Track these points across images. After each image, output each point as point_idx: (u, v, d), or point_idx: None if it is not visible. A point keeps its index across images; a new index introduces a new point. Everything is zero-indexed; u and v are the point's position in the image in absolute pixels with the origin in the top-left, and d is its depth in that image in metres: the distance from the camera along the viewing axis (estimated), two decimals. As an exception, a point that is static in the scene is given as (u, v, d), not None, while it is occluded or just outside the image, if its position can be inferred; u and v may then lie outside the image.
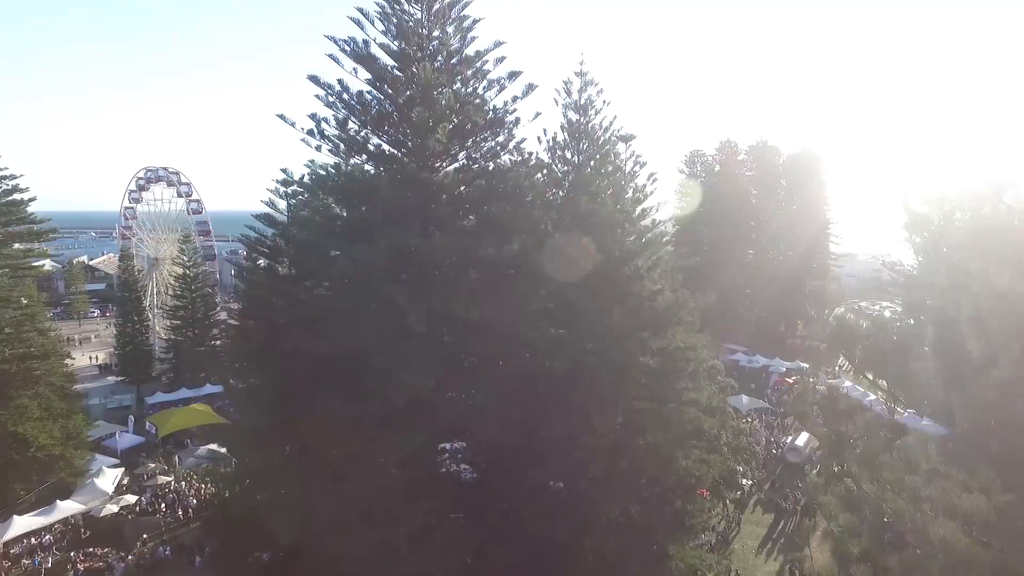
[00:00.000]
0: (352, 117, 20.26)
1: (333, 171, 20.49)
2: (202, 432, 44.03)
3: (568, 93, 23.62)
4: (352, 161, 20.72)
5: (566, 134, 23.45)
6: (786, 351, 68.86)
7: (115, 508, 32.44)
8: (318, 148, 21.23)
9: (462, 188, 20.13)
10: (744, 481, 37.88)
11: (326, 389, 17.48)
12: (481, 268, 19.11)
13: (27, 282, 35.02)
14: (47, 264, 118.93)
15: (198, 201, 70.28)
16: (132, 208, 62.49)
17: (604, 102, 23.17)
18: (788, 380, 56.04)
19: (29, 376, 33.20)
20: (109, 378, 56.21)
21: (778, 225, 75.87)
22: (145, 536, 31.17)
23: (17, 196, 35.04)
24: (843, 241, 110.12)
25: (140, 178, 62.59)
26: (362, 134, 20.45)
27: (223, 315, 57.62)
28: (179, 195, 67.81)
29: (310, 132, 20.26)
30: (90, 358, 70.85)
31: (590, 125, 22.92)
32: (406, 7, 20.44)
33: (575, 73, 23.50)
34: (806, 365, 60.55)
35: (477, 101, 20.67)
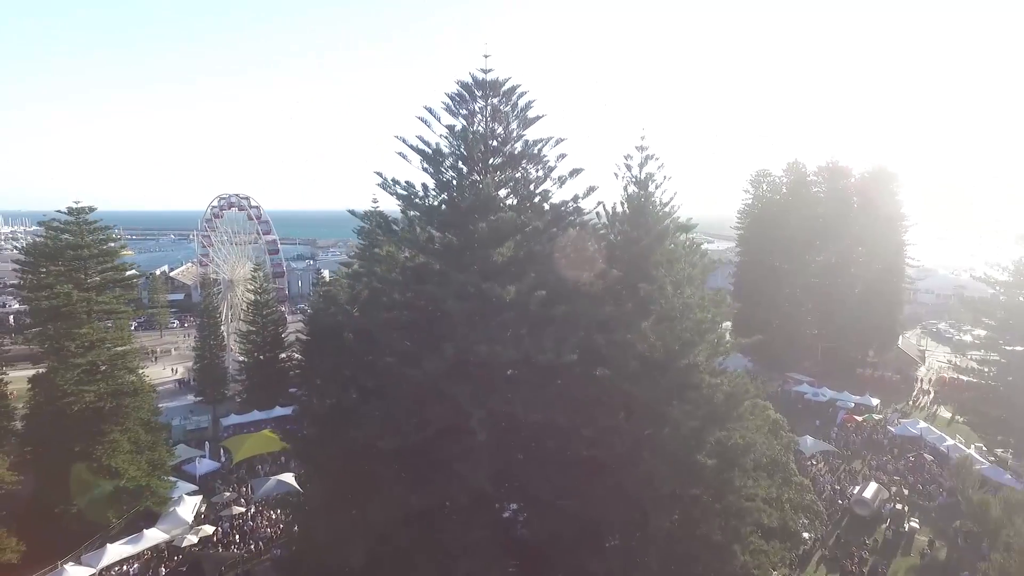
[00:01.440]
0: (419, 217, 21.10)
1: (398, 276, 21.17)
2: (272, 457, 46.62)
3: (628, 167, 23.65)
4: (418, 259, 21.50)
5: (626, 208, 23.48)
6: (855, 382, 65.87)
7: (194, 539, 34.70)
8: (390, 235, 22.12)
9: (521, 287, 20.24)
10: (806, 535, 36.69)
11: (391, 474, 18.29)
12: (541, 368, 19.45)
13: (121, 323, 37.80)
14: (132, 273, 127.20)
15: (267, 222, 74.00)
16: (208, 236, 66.40)
17: (664, 176, 23.08)
18: (856, 418, 53.64)
19: (121, 412, 36.04)
20: (188, 397, 59.93)
21: (848, 246, 72.61)
22: (223, 568, 33.30)
23: (111, 244, 38.12)
24: (921, 257, 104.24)
25: (215, 206, 66.40)
26: (427, 233, 21.18)
27: (292, 336, 60.82)
28: (249, 218, 71.51)
29: (379, 226, 21.21)
30: (172, 370, 75.77)
31: (650, 201, 22.87)
32: (472, 105, 21.06)
33: (636, 147, 23.52)
34: (876, 400, 57.67)
35: (537, 199, 21.07)
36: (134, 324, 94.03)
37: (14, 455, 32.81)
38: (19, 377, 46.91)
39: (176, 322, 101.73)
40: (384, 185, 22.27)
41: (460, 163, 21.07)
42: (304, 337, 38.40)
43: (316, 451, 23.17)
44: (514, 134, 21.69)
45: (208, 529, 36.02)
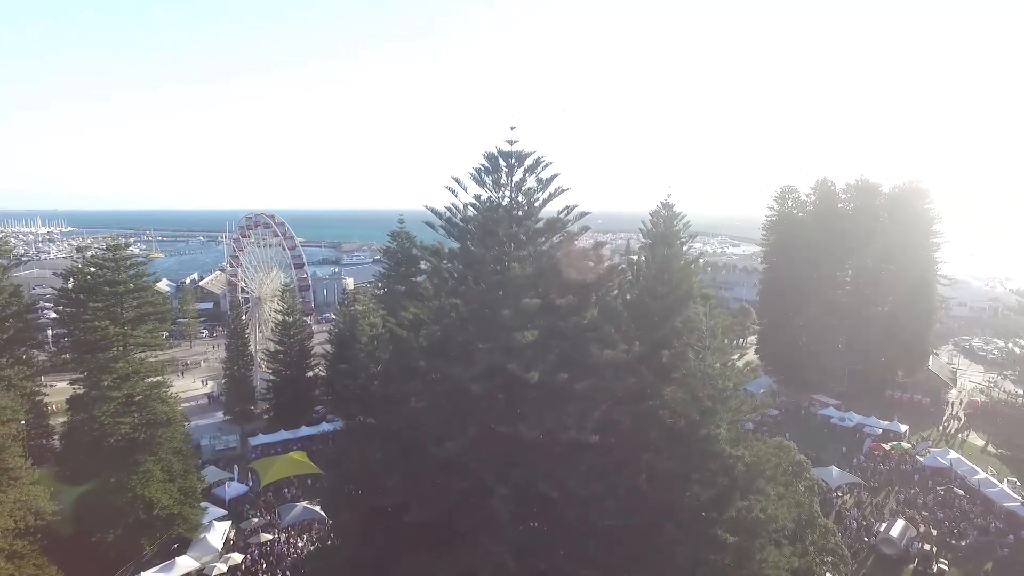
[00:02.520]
0: (443, 286, 21.49)
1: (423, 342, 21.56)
2: (299, 479, 47.61)
3: (655, 224, 23.72)
4: (439, 331, 21.85)
5: (651, 267, 23.54)
6: (883, 404, 64.72)
7: (224, 568, 35.63)
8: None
9: (545, 366, 20.28)
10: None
11: (414, 542, 18.68)
12: (563, 443, 19.64)
13: (156, 355, 38.97)
14: (164, 284, 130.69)
15: (292, 238, 75.46)
16: (237, 257, 68.10)
17: (689, 235, 23.10)
18: (884, 446, 52.65)
19: (154, 441, 37.12)
20: (218, 414, 61.37)
21: (877, 264, 71.31)
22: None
23: (146, 279, 39.30)
24: (954, 269, 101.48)
25: (243, 225, 68.06)
26: (452, 303, 21.51)
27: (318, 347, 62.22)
28: (275, 235, 72.99)
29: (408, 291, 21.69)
30: (202, 382, 77.74)
31: (674, 260, 22.93)
32: (498, 176, 21.37)
33: (661, 203, 23.57)
34: (905, 427, 56.56)
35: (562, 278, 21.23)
36: (164, 334, 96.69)
37: (53, 487, 34.03)
38: (57, 390, 48.73)
39: (205, 332, 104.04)
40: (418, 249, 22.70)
41: (486, 237, 21.35)
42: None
43: (342, 509, 23.71)
44: (537, 204, 21.90)
45: (237, 557, 36.93)
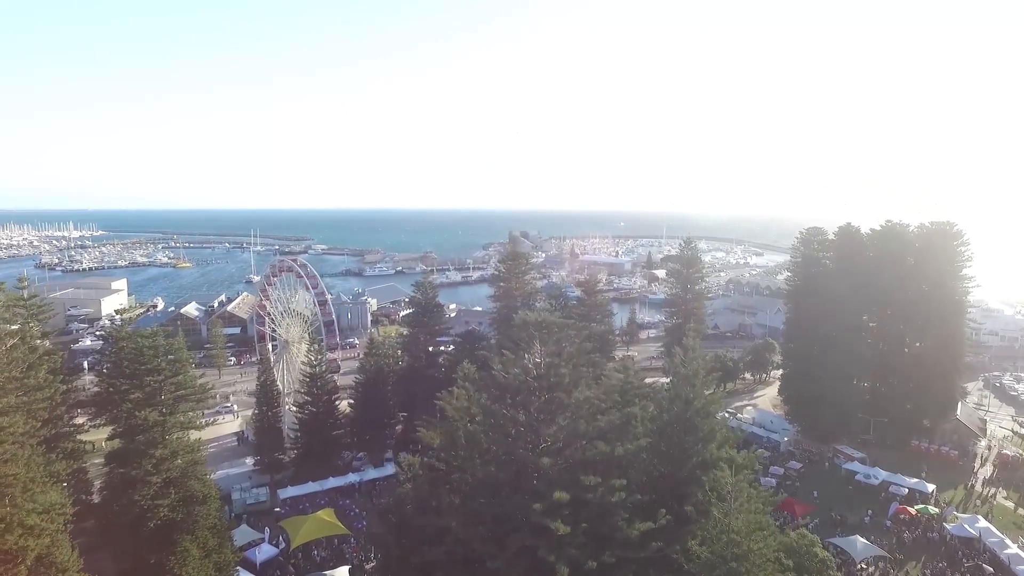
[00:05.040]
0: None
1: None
2: (328, 540, 48.71)
3: (678, 363, 24.07)
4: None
5: (675, 404, 23.93)
6: (908, 456, 64.02)
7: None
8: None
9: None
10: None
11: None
12: None
13: (191, 435, 40.32)
14: (193, 308, 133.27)
15: (314, 276, 77.27)
16: (265, 305, 70.13)
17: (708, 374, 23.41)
18: (910, 510, 52.05)
19: (191, 519, 38.39)
20: (247, 461, 62.85)
21: (903, 310, 70.37)
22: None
23: (182, 357, 40.67)
24: (985, 294, 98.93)
25: (269, 274, 70.17)
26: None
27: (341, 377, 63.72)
28: (298, 276, 74.81)
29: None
30: (233, 414, 79.77)
31: (696, 401, 23.31)
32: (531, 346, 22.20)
33: (680, 346, 23.92)
34: (932, 487, 55.78)
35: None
36: (194, 363, 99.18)
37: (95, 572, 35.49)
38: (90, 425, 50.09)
39: (233, 359, 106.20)
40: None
41: (518, 397, 22.11)
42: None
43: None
44: (566, 380, 22.60)
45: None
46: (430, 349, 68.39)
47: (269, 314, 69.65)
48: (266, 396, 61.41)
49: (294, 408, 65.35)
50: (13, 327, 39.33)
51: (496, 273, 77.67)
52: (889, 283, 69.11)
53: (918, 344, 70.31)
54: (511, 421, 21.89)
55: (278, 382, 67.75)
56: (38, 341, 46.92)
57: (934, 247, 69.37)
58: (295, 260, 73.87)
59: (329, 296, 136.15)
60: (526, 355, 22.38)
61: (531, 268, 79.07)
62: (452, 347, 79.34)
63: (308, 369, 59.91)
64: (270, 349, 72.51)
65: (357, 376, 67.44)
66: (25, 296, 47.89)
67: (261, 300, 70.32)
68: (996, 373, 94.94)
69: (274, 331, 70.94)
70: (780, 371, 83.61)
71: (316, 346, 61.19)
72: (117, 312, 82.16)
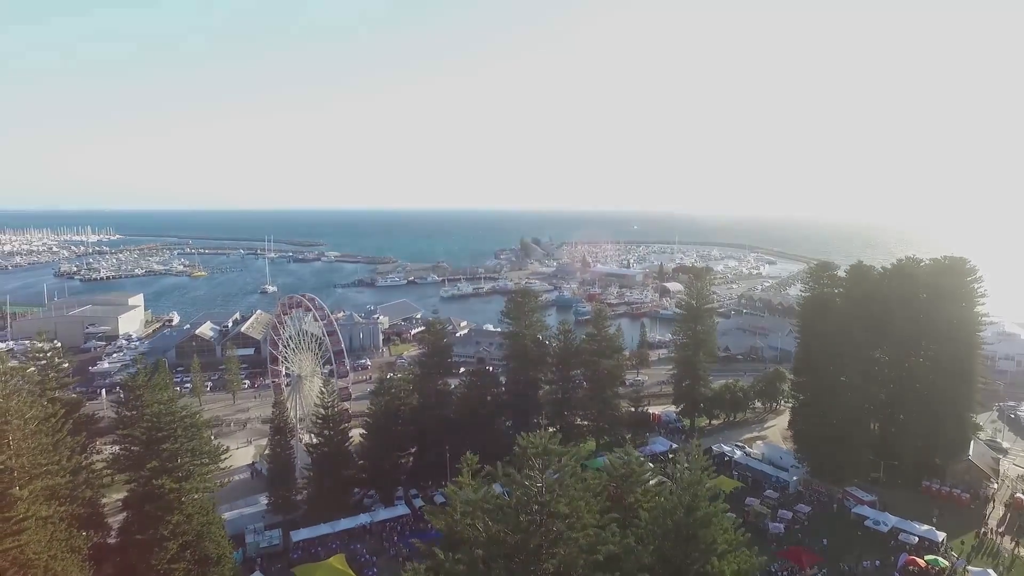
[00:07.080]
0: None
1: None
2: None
3: (684, 467, 24.51)
4: None
5: (682, 496, 24.36)
6: (919, 499, 63.61)
7: None
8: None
9: None
10: None
11: None
12: None
13: (206, 497, 41.34)
14: (208, 329, 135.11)
15: (323, 308, 78.40)
16: (277, 340, 71.71)
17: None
18: (920, 562, 51.83)
19: (206, 578, 39.44)
20: (261, 499, 63.87)
21: (914, 348, 69.97)
22: None
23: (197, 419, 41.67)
24: (999, 314, 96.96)
25: (280, 310, 72.09)
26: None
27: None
28: (307, 309, 75.99)
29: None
30: (246, 439, 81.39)
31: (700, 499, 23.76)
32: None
33: (684, 451, 24.31)
34: (942, 535, 55.49)
35: None
36: (208, 385, 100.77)
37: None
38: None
39: (247, 383, 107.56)
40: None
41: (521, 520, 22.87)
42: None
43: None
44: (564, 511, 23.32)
45: None
46: (439, 387, 69.40)
47: (282, 347, 71.30)
48: (279, 434, 62.44)
49: (305, 441, 66.59)
50: (35, 412, 39.00)
51: (504, 318, 78.33)
52: (901, 322, 68.73)
53: (931, 377, 69.63)
54: (513, 548, 22.52)
55: (290, 414, 68.84)
56: (56, 393, 48.35)
57: (946, 285, 68.86)
58: (303, 295, 75.31)
59: (340, 316, 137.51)
60: (527, 481, 23.11)
61: (538, 307, 79.90)
62: (463, 378, 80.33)
63: (322, 411, 60.75)
64: (284, 383, 74.00)
65: (369, 405, 68.44)
66: (45, 349, 49.27)
67: (275, 323, 72.27)
68: (1011, 403, 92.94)
69: (287, 366, 72.38)
70: (790, 402, 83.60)
71: (328, 378, 62.27)
72: (134, 361, 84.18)
